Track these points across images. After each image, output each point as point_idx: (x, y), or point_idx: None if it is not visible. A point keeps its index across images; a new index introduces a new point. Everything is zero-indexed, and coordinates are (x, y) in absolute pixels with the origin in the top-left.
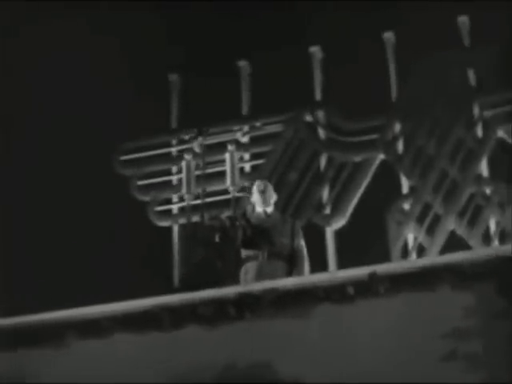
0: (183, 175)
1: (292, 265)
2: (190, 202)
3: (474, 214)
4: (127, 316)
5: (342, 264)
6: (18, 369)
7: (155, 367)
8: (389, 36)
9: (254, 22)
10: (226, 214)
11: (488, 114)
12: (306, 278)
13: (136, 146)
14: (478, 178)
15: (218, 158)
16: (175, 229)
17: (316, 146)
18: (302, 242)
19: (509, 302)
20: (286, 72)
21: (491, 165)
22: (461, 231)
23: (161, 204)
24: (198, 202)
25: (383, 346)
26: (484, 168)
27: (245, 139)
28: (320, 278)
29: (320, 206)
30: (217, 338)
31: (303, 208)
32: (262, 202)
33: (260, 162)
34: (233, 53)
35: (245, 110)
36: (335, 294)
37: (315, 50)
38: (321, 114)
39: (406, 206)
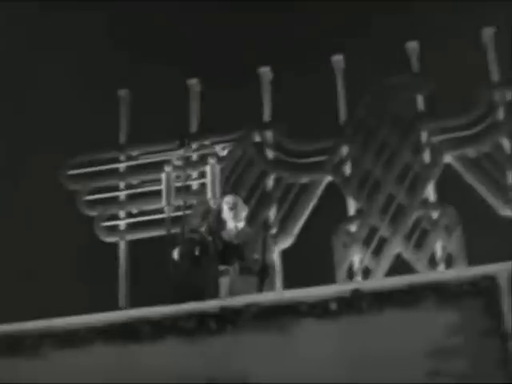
0: (163, 187)
1: (263, 280)
2: (170, 213)
3: (420, 238)
4: (106, 327)
5: (288, 284)
6: None
7: (134, 379)
8: (338, 59)
9: (203, 42)
10: (204, 227)
11: (436, 139)
12: (288, 292)
13: (84, 160)
14: (425, 202)
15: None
16: (122, 245)
17: (264, 166)
18: (273, 257)
19: (494, 320)
20: (235, 92)
21: (438, 189)
22: (407, 254)
23: (108, 219)
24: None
25: (365, 363)
26: (431, 192)
27: (194, 157)
28: (303, 293)
29: (267, 226)
30: (197, 351)
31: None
32: (232, 218)
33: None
34: (182, 71)
35: (193, 127)
36: (318, 309)
37: (264, 71)
38: (269, 135)
39: (353, 228)
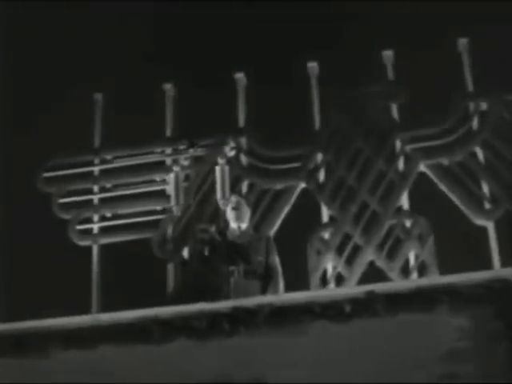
0: (171, 187)
1: (267, 283)
2: (178, 213)
3: (393, 246)
4: (115, 327)
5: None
6: None
7: (143, 380)
8: (312, 66)
9: (180, 46)
10: (213, 227)
11: (410, 148)
12: (303, 294)
13: (59, 163)
14: (399, 211)
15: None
16: (95, 249)
17: (238, 172)
18: (277, 260)
19: (507, 324)
20: (210, 97)
21: (412, 198)
22: (380, 263)
23: (81, 223)
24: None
25: (378, 365)
26: (405, 201)
27: (168, 162)
28: (317, 294)
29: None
30: (209, 352)
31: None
32: (236, 219)
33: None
34: (156, 75)
35: (169, 132)
36: (332, 311)
37: (239, 77)
38: (243, 141)
39: (326, 236)
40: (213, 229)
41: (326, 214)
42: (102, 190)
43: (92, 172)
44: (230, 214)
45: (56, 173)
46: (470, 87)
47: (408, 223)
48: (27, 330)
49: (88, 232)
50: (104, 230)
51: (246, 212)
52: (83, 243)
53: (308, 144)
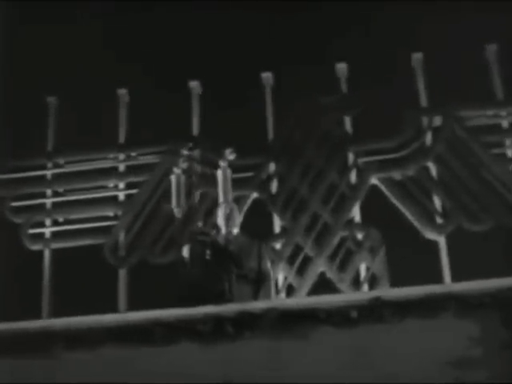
0: (173, 189)
1: (259, 288)
2: (178, 216)
3: (344, 258)
4: (119, 328)
5: None
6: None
7: (144, 382)
8: (267, 76)
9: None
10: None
11: (363, 161)
12: (309, 299)
13: (11, 166)
14: (350, 223)
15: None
16: (46, 253)
17: (191, 180)
18: (269, 265)
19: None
20: (164, 104)
21: (363, 210)
22: (331, 274)
23: (33, 227)
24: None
25: (384, 371)
26: (356, 213)
27: (121, 168)
28: (322, 299)
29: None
30: (214, 356)
31: (174, 243)
32: (228, 224)
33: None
34: (113, 81)
35: (121, 138)
36: (338, 316)
37: (194, 86)
38: (197, 149)
39: (278, 246)
40: (214, 232)
41: (277, 224)
42: (55, 194)
43: (45, 176)
44: (221, 220)
45: (8, 176)
46: (424, 102)
47: (359, 235)
48: (32, 329)
49: (40, 236)
50: (56, 235)
51: (237, 218)
52: (35, 247)
53: (261, 154)
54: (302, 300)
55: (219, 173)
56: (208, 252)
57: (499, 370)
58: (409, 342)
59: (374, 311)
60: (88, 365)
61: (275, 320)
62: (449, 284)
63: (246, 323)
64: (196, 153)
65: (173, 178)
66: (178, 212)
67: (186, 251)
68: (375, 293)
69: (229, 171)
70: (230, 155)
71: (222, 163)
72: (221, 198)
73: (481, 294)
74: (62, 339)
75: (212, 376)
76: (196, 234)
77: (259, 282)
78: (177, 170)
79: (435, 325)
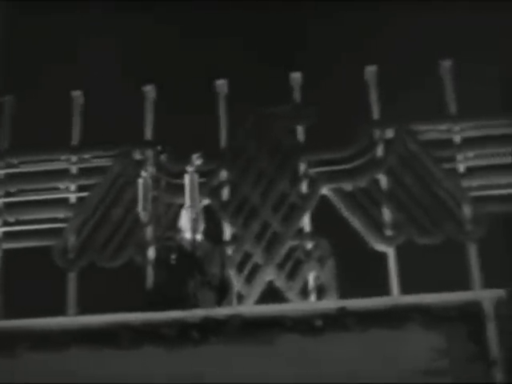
0: (139, 192)
1: (222, 295)
2: (145, 219)
3: (293, 267)
4: (83, 331)
5: None
6: None
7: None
8: (221, 83)
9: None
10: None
11: (314, 171)
12: (274, 306)
13: None
14: (300, 232)
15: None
16: None
17: (158, 184)
18: (231, 272)
19: (479, 346)
20: (119, 107)
21: (313, 220)
22: (279, 283)
23: None
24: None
25: (347, 380)
26: (306, 223)
27: (73, 170)
28: (288, 307)
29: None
30: (178, 360)
31: (124, 246)
32: (193, 230)
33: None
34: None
35: (75, 140)
36: (303, 324)
37: (149, 90)
38: (150, 154)
39: (227, 253)
40: (179, 237)
41: (228, 231)
42: (7, 194)
43: None
44: (186, 225)
45: None
46: (376, 115)
47: (309, 245)
48: None
49: None
50: (7, 235)
51: (202, 224)
52: None
53: (213, 161)
54: (268, 307)
55: (186, 178)
56: (173, 257)
57: (464, 382)
58: (373, 351)
59: (339, 320)
60: (52, 366)
61: (240, 327)
62: (416, 296)
63: (210, 329)
64: (163, 157)
65: (140, 181)
66: (144, 216)
67: (149, 255)
68: (341, 302)
69: (196, 176)
70: (197, 160)
71: (189, 168)
72: (187, 203)
73: (448, 307)
74: (27, 340)
75: (176, 379)
76: (161, 239)
77: (222, 289)
78: (144, 174)
79: (401, 336)
